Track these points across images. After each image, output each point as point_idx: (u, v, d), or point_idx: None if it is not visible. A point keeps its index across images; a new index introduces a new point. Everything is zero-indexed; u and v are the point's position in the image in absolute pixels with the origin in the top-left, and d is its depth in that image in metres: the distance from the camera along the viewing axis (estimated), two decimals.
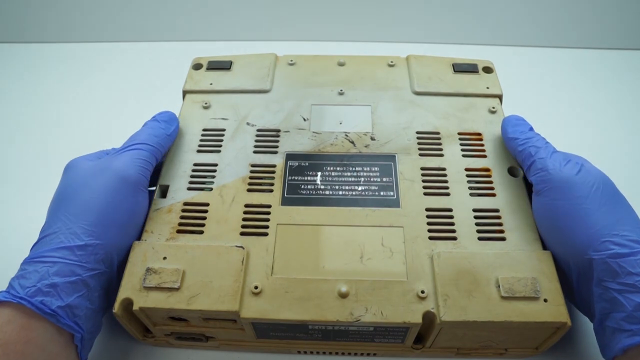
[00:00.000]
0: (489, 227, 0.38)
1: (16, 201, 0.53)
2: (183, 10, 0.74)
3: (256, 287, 0.35)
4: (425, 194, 0.40)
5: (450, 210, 0.39)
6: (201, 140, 0.44)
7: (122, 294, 0.34)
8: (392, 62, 0.51)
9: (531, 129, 0.41)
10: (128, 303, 0.34)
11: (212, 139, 0.45)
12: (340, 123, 0.46)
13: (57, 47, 0.73)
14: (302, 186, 0.41)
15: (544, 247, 0.37)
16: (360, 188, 0.41)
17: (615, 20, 0.71)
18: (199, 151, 0.44)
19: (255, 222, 0.39)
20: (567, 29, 0.72)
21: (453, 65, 0.51)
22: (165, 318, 0.36)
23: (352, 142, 0.44)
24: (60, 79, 0.68)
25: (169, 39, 0.74)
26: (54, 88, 0.67)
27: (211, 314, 0.34)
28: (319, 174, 0.42)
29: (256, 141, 0.44)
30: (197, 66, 0.51)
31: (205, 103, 0.47)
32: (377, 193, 0.40)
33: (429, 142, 0.44)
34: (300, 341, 0.38)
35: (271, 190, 0.41)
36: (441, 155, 0.43)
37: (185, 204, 0.40)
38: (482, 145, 0.44)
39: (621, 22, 0.71)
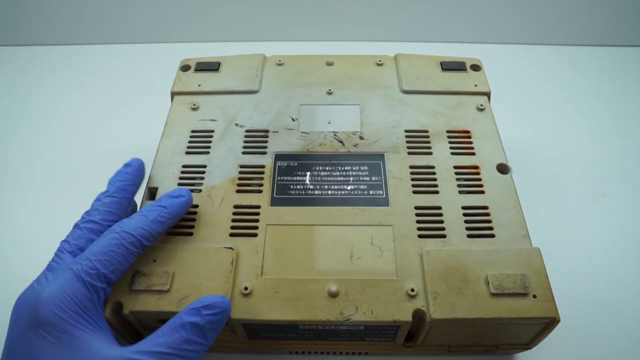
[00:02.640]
0: (478, 224, 0.38)
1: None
2: (170, 12, 0.74)
3: (246, 288, 0.34)
4: (414, 192, 0.40)
5: (439, 208, 0.39)
6: (190, 142, 0.44)
7: (111, 298, 0.34)
8: (380, 61, 0.52)
9: None
10: (118, 306, 0.34)
11: (201, 141, 0.44)
12: (329, 123, 0.46)
13: (44, 50, 0.72)
14: (291, 186, 0.41)
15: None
16: (349, 187, 0.41)
17: (602, 18, 0.72)
18: (187, 153, 0.43)
19: (244, 223, 0.39)
20: (555, 26, 0.73)
21: (441, 63, 0.51)
22: (156, 321, 0.36)
23: (341, 142, 0.44)
24: (47, 82, 0.68)
25: (157, 40, 0.73)
26: (42, 90, 0.66)
27: None
28: (308, 174, 0.42)
29: (245, 142, 0.44)
30: (185, 67, 0.51)
31: (194, 104, 0.47)
32: (366, 192, 0.40)
33: (418, 141, 0.44)
34: (292, 341, 0.38)
35: (260, 191, 0.41)
36: (430, 153, 0.43)
37: None
38: (470, 142, 0.44)
39: (609, 19, 0.72)
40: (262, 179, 0.41)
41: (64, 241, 0.35)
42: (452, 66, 0.50)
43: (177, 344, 0.31)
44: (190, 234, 0.38)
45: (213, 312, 0.32)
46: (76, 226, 0.36)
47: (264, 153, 0.43)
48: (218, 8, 0.73)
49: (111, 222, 0.36)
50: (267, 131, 0.45)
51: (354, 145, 0.44)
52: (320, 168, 0.42)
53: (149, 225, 0.35)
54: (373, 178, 0.41)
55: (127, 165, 0.40)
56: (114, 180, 0.39)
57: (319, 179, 0.41)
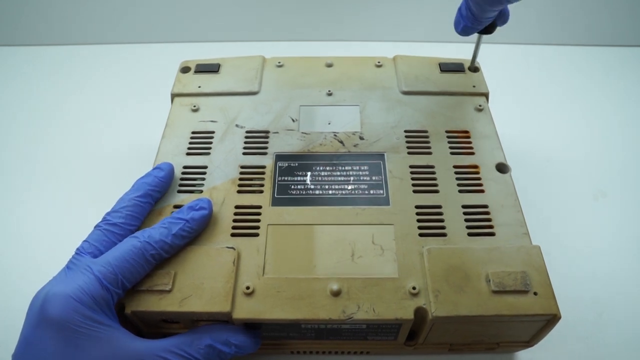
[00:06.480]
0: (478, 222, 0.39)
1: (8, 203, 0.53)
2: (170, 12, 0.74)
3: (248, 288, 0.35)
4: (414, 191, 0.41)
5: (439, 207, 0.40)
6: (190, 143, 0.44)
7: None
8: (379, 62, 0.52)
9: None
10: (120, 307, 0.34)
11: (202, 142, 0.45)
12: (329, 123, 0.46)
13: (44, 50, 0.73)
14: (292, 186, 0.41)
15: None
16: (350, 187, 0.41)
17: (602, 18, 0.72)
18: (188, 154, 0.44)
19: (245, 223, 0.39)
20: (555, 26, 0.73)
21: (440, 64, 0.51)
22: (158, 321, 0.36)
23: (341, 142, 0.44)
24: (47, 82, 0.68)
25: (157, 40, 0.73)
26: (41, 91, 0.66)
27: (203, 316, 0.34)
28: (309, 174, 0.42)
29: (245, 143, 0.44)
30: (185, 69, 0.51)
31: (194, 106, 0.47)
32: (366, 192, 0.41)
33: (417, 141, 0.44)
34: (294, 341, 0.38)
35: (261, 191, 0.41)
36: (429, 153, 0.43)
37: (176, 206, 0.40)
38: (469, 142, 0.44)
39: (609, 19, 0.72)
40: (262, 179, 0.42)
41: (84, 241, 0.35)
42: (450, 67, 0.51)
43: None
44: None
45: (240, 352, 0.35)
46: (97, 227, 0.36)
47: (265, 154, 0.43)
48: (218, 8, 0.73)
49: (132, 225, 0.37)
50: (268, 132, 0.45)
51: (354, 146, 0.44)
52: (321, 168, 0.42)
53: (171, 239, 0.35)
54: (373, 178, 0.42)
55: (158, 169, 0.40)
56: (143, 184, 0.39)
57: (320, 178, 0.42)
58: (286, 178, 0.42)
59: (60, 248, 0.49)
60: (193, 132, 0.45)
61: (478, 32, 0.44)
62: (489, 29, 0.43)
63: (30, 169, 0.57)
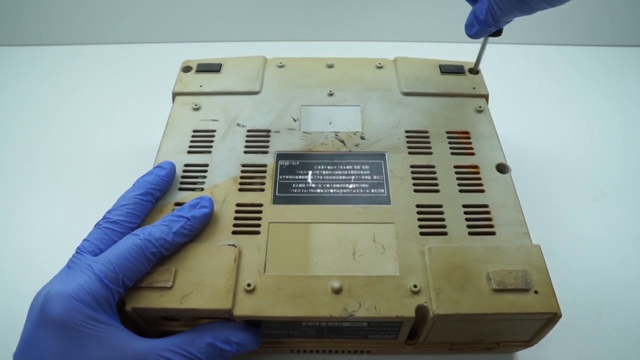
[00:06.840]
0: (478, 222, 0.39)
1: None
2: (170, 12, 0.74)
3: (249, 285, 0.35)
4: (415, 190, 0.41)
5: (440, 206, 0.40)
6: (191, 142, 0.44)
7: None
8: (380, 64, 0.52)
9: None
10: (120, 304, 0.34)
11: (203, 140, 0.45)
12: (330, 123, 0.46)
13: (44, 50, 0.73)
14: (293, 185, 0.41)
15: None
16: (351, 186, 0.41)
17: (602, 18, 0.72)
18: (189, 152, 0.44)
19: (247, 221, 0.39)
20: (555, 26, 0.73)
21: (440, 66, 0.51)
22: (158, 318, 0.36)
23: (342, 142, 0.44)
24: (47, 82, 0.68)
25: (157, 40, 0.74)
26: (42, 91, 0.66)
27: (204, 313, 0.34)
28: (310, 172, 0.42)
29: (247, 141, 0.44)
30: (186, 69, 0.51)
31: (195, 105, 0.47)
32: (367, 191, 0.41)
33: (418, 141, 0.45)
34: (294, 339, 0.38)
35: (262, 190, 0.41)
36: (430, 153, 0.44)
37: (177, 204, 0.40)
38: (470, 143, 0.45)
39: (609, 19, 0.72)
40: (264, 177, 0.42)
41: (84, 240, 0.35)
42: (450, 69, 0.51)
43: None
44: None
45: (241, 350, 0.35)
46: (97, 226, 0.36)
47: (266, 152, 0.44)
48: (218, 8, 0.73)
49: (132, 223, 0.37)
50: (269, 131, 0.45)
51: (355, 145, 0.44)
52: (322, 167, 0.42)
53: (172, 237, 0.35)
54: (374, 177, 0.42)
55: (160, 167, 0.40)
56: (144, 182, 0.39)
57: (321, 177, 0.42)
58: (287, 177, 0.42)
59: (60, 248, 0.49)
60: (194, 131, 0.45)
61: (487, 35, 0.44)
62: (497, 32, 0.43)
63: (30, 169, 0.57)
